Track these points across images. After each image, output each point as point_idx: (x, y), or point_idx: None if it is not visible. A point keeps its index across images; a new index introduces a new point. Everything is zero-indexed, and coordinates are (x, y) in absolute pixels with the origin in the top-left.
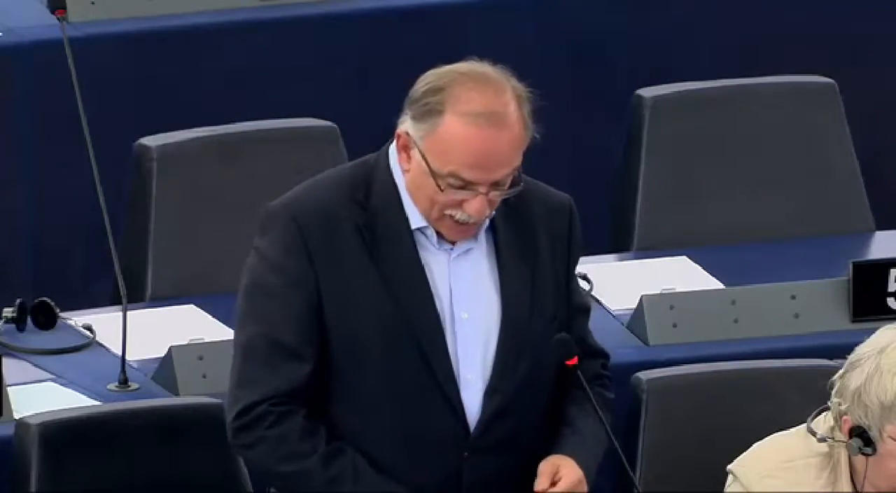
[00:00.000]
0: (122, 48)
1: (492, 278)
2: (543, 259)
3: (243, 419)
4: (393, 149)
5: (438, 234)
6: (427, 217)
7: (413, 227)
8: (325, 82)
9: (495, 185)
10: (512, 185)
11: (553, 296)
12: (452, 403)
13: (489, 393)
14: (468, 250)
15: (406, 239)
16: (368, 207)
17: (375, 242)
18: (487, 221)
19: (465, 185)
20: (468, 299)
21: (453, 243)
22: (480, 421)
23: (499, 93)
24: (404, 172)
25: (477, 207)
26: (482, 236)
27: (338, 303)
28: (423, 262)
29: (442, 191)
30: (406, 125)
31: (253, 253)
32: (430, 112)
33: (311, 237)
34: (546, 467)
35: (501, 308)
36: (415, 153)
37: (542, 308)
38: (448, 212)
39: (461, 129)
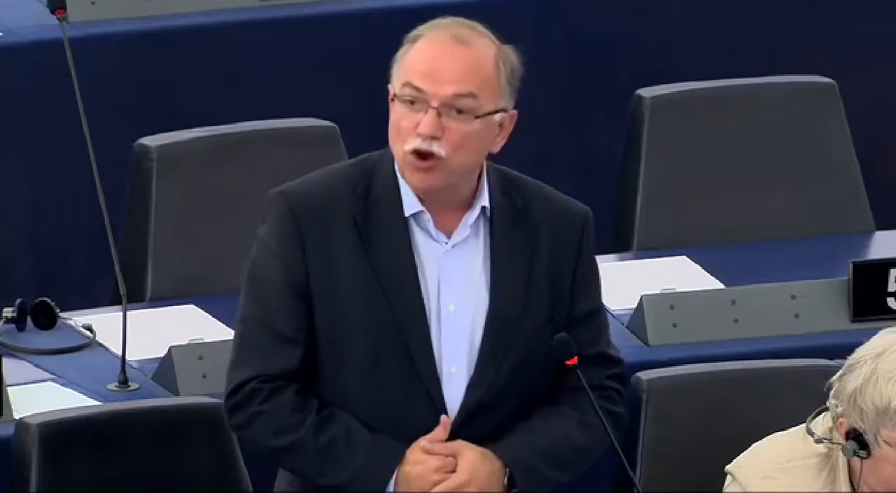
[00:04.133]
0: (122, 48)
1: (484, 272)
2: (542, 261)
3: (236, 397)
4: None
5: (435, 224)
6: (400, 164)
7: (407, 213)
8: (325, 82)
9: (447, 106)
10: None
11: (550, 298)
12: (432, 396)
13: (471, 387)
14: (465, 240)
15: (400, 227)
16: (367, 197)
17: (369, 231)
18: (479, 209)
19: (417, 96)
20: (457, 292)
21: (448, 235)
22: (460, 415)
23: (473, 29)
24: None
25: (428, 122)
26: (479, 230)
27: (326, 293)
28: (415, 252)
29: (398, 111)
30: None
31: (256, 239)
32: (406, 46)
33: (306, 226)
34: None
35: (490, 303)
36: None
37: (536, 307)
38: (407, 146)
39: (423, 45)
